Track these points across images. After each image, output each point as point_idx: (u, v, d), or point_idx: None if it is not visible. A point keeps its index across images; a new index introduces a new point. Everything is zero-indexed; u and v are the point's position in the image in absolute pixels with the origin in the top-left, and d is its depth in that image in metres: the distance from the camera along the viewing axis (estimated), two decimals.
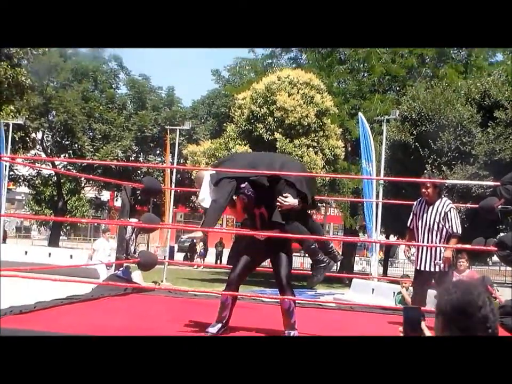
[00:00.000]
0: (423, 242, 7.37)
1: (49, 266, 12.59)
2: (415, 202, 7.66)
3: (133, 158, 36.59)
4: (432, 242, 7.29)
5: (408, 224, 7.67)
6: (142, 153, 37.98)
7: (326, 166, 23.91)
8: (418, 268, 7.39)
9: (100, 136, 34.78)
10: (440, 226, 7.28)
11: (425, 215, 7.35)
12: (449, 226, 7.23)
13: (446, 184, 7.82)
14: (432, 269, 7.26)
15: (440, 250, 7.27)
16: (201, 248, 36.59)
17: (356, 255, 34.28)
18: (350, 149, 30.07)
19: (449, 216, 7.25)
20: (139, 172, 34.66)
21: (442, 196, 7.53)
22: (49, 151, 35.11)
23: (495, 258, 23.00)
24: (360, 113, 23.21)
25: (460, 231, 7.22)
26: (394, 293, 11.66)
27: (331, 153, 24.18)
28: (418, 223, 7.41)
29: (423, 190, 7.44)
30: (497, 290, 8.96)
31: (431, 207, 7.37)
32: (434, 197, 7.40)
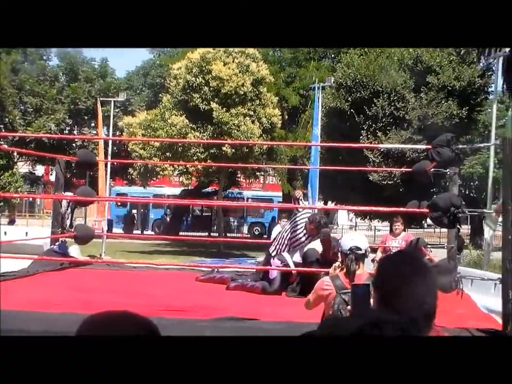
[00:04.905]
0: None
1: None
2: None
3: (67, 131, 35.75)
4: None
5: None
6: (76, 126, 37.17)
7: (263, 135, 23.91)
8: None
9: (31, 109, 33.82)
10: None
11: None
12: None
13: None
14: None
15: None
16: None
17: None
18: (286, 117, 30.14)
19: None
20: (74, 145, 33.96)
21: None
22: None
23: (430, 220, 23.56)
24: (316, 84, 22.98)
25: None
26: None
27: (268, 122, 24.16)
28: None
29: None
30: (431, 251, 9.18)
31: None
32: None
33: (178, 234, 32.35)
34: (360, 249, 4.30)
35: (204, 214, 40.54)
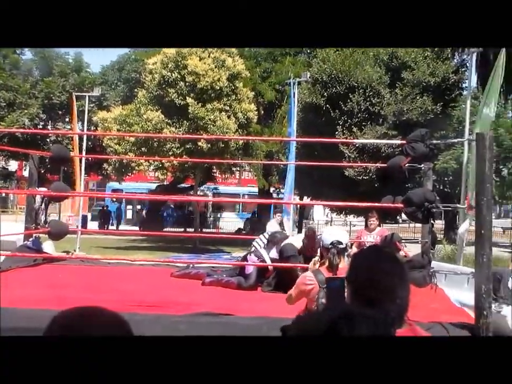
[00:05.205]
0: None
1: None
2: None
3: (40, 126, 35.32)
4: None
5: None
6: (50, 121, 36.74)
7: (239, 130, 23.89)
8: None
9: (4, 104, 33.38)
10: None
11: None
12: None
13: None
14: None
15: None
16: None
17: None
18: (262, 112, 30.15)
19: None
20: (48, 140, 33.58)
21: None
22: None
23: (404, 215, 23.68)
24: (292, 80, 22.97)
25: None
26: None
27: (244, 117, 24.14)
28: None
29: None
30: (405, 246, 9.25)
31: None
32: None
33: (154, 229, 32.19)
34: (342, 243, 4.36)
35: (186, 209, 40.24)
